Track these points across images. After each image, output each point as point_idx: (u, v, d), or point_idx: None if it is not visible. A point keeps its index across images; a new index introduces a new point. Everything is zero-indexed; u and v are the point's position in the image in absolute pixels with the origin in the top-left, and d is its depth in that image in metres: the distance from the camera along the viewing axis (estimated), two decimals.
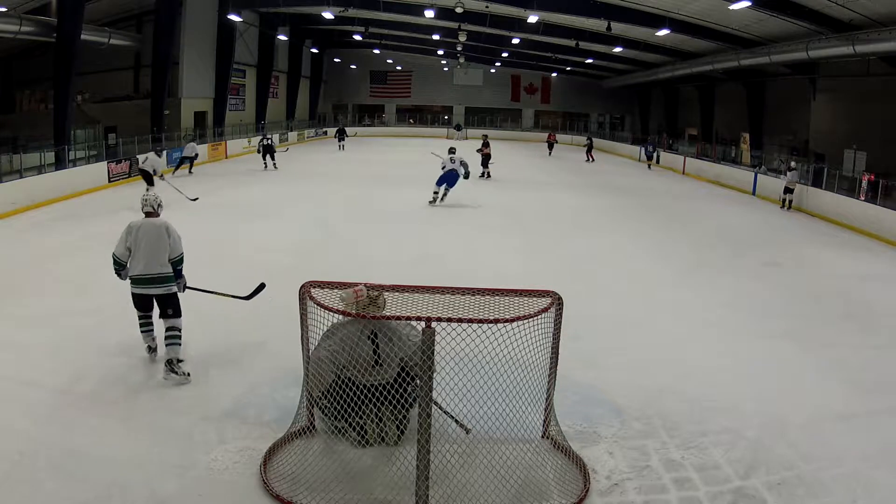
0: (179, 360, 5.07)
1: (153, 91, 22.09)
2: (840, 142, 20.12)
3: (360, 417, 4.02)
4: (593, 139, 30.81)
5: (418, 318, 3.39)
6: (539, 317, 3.69)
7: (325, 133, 37.14)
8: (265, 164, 20.60)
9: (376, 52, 39.28)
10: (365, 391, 3.92)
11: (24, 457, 3.84)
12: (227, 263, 8.78)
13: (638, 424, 4.51)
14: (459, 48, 33.82)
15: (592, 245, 10.88)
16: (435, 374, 3.39)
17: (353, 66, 42.88)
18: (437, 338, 3.36)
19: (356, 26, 30.91)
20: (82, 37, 17.65)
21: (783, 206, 16.12)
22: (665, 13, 19.32)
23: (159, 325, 5.22)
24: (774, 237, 12.30)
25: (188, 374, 5.02)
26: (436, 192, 14.10)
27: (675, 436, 4.36)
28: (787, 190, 15.96)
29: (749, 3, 15.19)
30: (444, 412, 4.01)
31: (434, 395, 3.47)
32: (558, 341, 4.00)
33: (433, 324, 3.34)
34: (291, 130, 33.43)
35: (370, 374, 3.99)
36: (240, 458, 3.95)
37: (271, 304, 6.67)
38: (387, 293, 4.00)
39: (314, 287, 3.92)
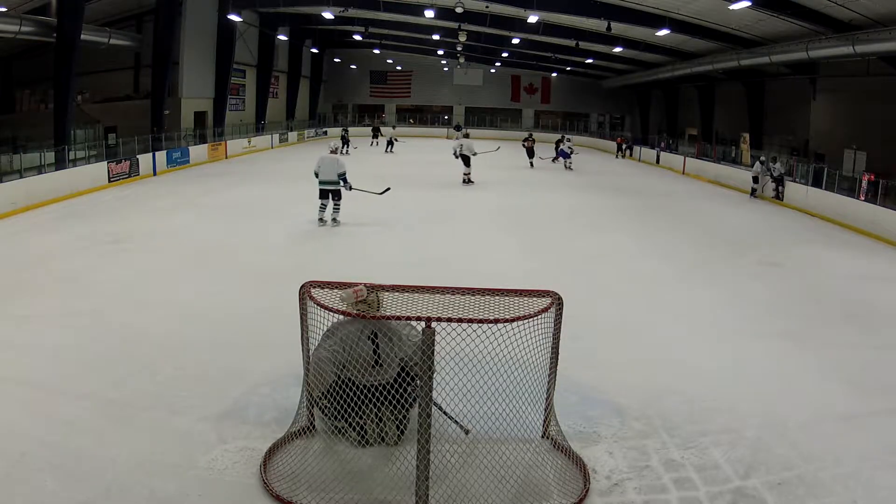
0: (337, 219, 11.22)
1: (153, 91, 22.08)
2: (840, 142, 20.13)
3: (360, 417, 4.01)
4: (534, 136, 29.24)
5: (418, 318, 3.39)
6: (539, 317, 3.69)
7: (325, 133, 37.09)
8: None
9: (376, 52, 39.25)
10: (365, 391, 3.92)
11: (24, 457, 3.84)
12: (228, 264, 8.79)
13: (638, 424, 4.51)
14: (459, 48, 33.77)
15: (592, 245, 10.87)
16: (435, 374, 3.39)
17: (353, 66, 42.85)
18: (437, 338, 3.36)
19: (356, 26, 30.88)
20: (82, 37, 17.63)
21: (752, 195, 17.86)
22: (665, 13, 19.30)
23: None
24: (774, 237, 12.29)
25: (338, 222, 11.23)
26: (556, 160, 24.12)
27: (675, 436, 4.36)
28: (755, 180, 17.81)
29: (749, 3, 15.17)
30: (444, 413, 4.00)
31: (434, 395, 3.47)
32: (558, 341, 3.99)
33: (433, 324, 3.33)
34: (291, 130, 33.43)
35: (370, 374, 3.98)
36: (240, 458, 3.95)
37: (272, 304, 6.67)
38: (387, 293, 3.98)
39: (314, 287, 3.91)
